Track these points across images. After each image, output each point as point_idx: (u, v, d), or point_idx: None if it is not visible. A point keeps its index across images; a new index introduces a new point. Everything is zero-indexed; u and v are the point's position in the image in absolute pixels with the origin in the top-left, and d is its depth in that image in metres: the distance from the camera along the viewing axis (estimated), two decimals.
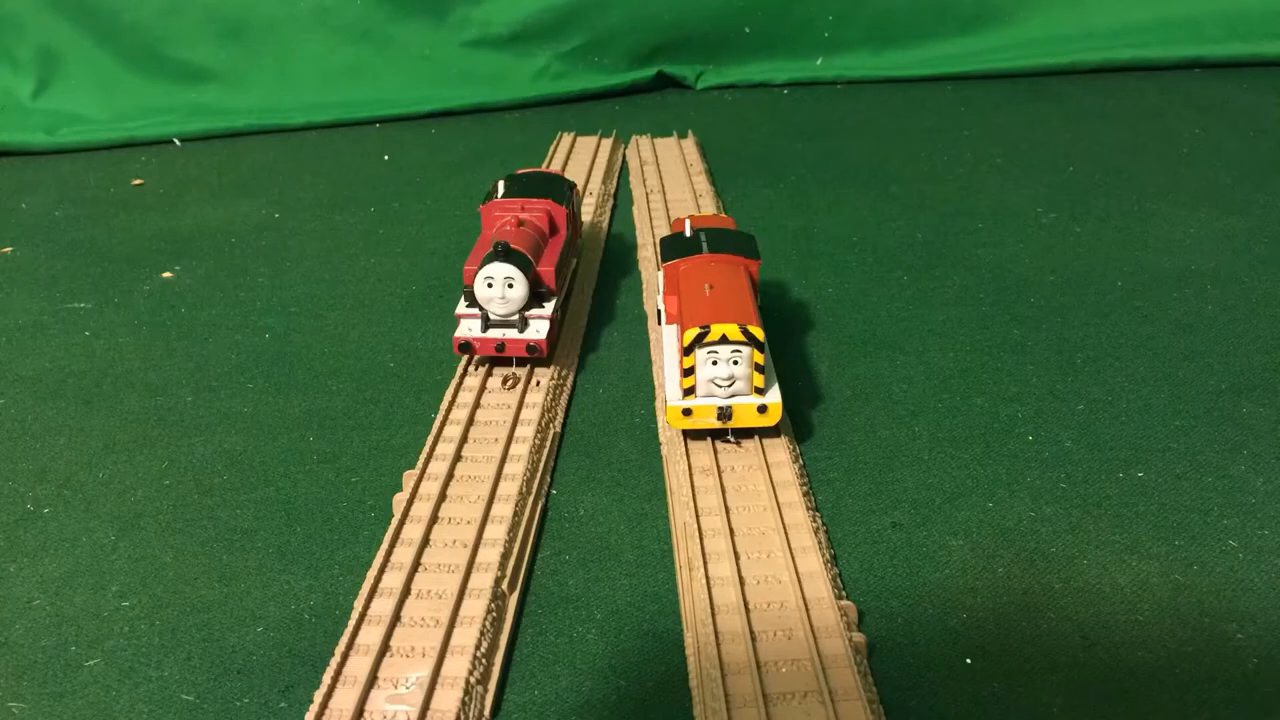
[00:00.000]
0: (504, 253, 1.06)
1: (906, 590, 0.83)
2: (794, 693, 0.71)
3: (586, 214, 1.54)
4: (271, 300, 1.36)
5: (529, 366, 1.11)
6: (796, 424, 1.04)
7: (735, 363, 0.94)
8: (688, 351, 0.95)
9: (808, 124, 2.03)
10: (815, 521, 0.89)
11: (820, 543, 0.86)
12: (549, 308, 1.10)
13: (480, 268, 1.06)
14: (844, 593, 0.82)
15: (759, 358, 0.95)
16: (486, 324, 1.08)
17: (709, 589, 0.80)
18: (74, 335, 1.28)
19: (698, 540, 0.85)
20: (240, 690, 0.75)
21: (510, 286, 1.06)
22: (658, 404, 1.08)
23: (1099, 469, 0.96)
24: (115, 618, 0.83)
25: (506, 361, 1.11)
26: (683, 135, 1.92)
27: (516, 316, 1.07)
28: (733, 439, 0.98)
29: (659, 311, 1.14)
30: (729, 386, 0.95)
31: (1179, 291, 1.28)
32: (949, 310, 1.26)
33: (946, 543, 0.88)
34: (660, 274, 1.13)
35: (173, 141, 2.08)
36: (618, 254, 1.46)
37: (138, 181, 1.85)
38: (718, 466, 0.94)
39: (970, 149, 1.83)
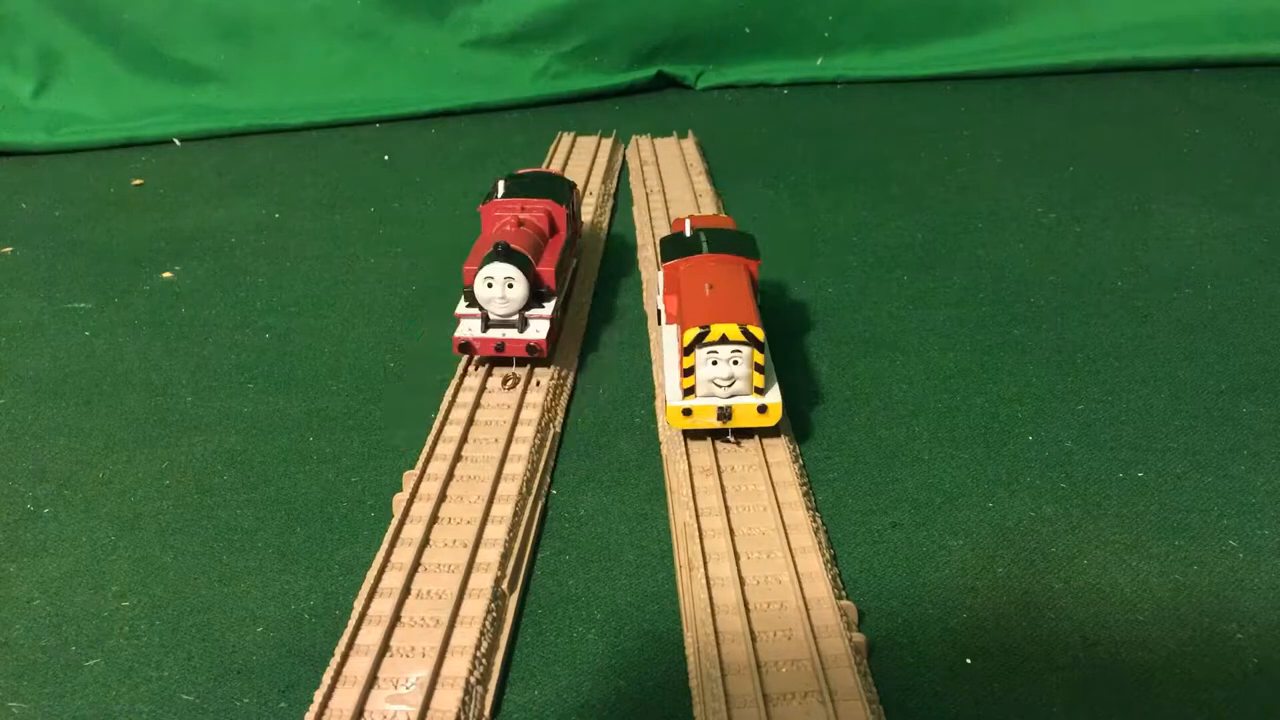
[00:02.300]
0: (504, 253, 1.06)
1: (906, 590, 0.83)
2: (794, 693, 0.71)
3: (586, 214, 1.54)
4: (271, 300, 1.36)
5: (529, 366, 1.11)
6: (796, 424, 1.04)
7: (735, 363, 0.94)
8: (688, 351, 0.95)
9: (808, 124, 2.03)
10: (815, 521, 0.89)
11: (820, 543, 0.86)
12: (549, 307, 1.10)
13: (480, 268, 1.07)
14: (844, 593, 0.82)
15: (759, 358, 0.95)
16: (486, 324, 1.08)
17: (709, 589, 0.80)
18: (74, 335, 1.28)
19: (698, 540, 0.85)
20: (240, 690, 0.75)
21: (510, 286, 1.06)
22: (658, 404, 1.08)
23: (1099, 469, 0.96)
24: (115, 618, 0.82)
25: (506, 361, 1.11)
26: (683, 135, 1.91)
27: (516, 316, 1.08)
28: (733, 439, 0.98)
29: (659, 312, 1.14)
30: (729, 386, 0.94)
31: (1179, 291, 1.28)
32: (949, 310, 1.26)
33: (946, 543, 0.88)
34: (660, 274, 1.13)
35: (173, 141, 2.08)
36: (618, 254, 1.46)
37: (138, 181, 1.85)
38: (718, 466, 0.94)
39: (970, 149, 1.82)
